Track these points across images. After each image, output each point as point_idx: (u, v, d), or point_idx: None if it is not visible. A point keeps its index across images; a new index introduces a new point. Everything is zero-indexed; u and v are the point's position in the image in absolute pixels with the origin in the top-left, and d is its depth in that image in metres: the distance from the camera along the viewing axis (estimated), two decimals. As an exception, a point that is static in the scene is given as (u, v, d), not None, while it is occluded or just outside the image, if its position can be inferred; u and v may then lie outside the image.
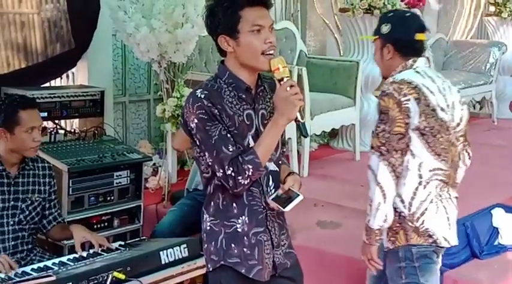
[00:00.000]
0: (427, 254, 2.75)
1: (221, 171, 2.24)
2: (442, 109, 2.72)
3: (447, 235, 2.77)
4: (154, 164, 5.14)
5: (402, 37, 2.78)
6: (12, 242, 3.14)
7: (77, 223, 3.63)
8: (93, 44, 4.91)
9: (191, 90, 4.40)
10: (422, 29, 2.81)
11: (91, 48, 4.90)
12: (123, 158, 4.08)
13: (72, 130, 4.30)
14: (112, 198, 4.04)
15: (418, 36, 2.80)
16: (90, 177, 3.91)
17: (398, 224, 2.70)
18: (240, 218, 2.35)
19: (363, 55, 6.16)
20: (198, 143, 2.29)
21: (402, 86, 2.64)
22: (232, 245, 2.35)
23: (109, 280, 2.67)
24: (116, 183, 4.06)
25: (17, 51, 4.87)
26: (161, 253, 2.94)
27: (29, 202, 3.20)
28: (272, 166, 2.41)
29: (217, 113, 2.24)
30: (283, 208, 2.32)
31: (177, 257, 2.98)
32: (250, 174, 2.23)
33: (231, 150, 2.23)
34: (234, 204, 2.34)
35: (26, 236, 3.20)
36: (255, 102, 2.35)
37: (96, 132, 4.28)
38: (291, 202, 2.33)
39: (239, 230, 2.35)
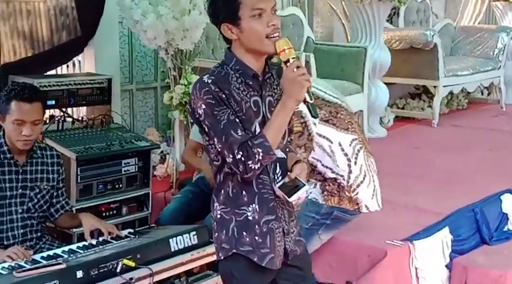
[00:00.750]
0: (344, 218, 3.34)
1: (231, 156, 2.22)
2: (329, 95, 3.25)
3: (369, 203, 3.34)
4: (162, 152, 5.14)
5: None
6: (22, 230, 3.14)
7: (86, 211, 3.63)
8: (100, 31, 4.89)
9: (198, 77, 4.46)
10: None
11: (98, 35, 4.88)
12: (131, 146, 4.06)
13: (80, 118, 4.29)
14: (120, 185, 4.03)
15: None
16: (98, 164, 3.89)
17: (336, 192, 3.24)
18: (251, 206, 2.33)
19: (370, 41, 6.13)
20: (206, 130, 2.27)
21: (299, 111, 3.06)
22: (244, 233, 2.34)
23: (119, 267, 2.68)
24: (124, 171, 4.04)
25: (23, 40, 4.86)
26: (171, 240, 2.94)
27: (38, 190, 3.19)
28: (280, 154, 2.38)
29: (225, 98, 2.22)
30: (288, 197, 2.30)
31: (186, 245, 2.98)
32: (260, 158, 2.20)
33: (240, 134, 2.22)
34: (244, 192, 2.33)
35: (35, 225, 3.20)
36: (262, 88, 2.33)
37: (104, 119, 4.26)
38: (297, 192, 2.31)
39: (250, 218, 2.33)
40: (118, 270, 2.67)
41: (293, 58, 2.21)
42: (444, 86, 6.88)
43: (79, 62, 5.09)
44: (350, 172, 3.25)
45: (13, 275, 2.60)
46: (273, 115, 2.26)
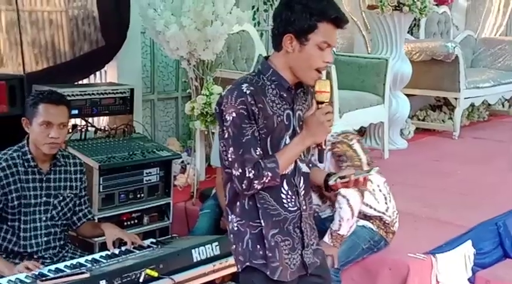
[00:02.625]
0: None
1: (239, 170, 2.22)
2: None
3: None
4: (182, 161, 5.15)
5: None
6: (45, 238, 3.15)
7: (107, 220, 3.65)
8: (123, 41, 4.93)
9: (220, 87, 4.49)
10: None
11: (120, 46, 4.92)
12: (153, 155, 4.08)
13: (102, 128, 4.31)
14: (142, 195, 4.05)
15: None
16: (120, 174, 3.92)
17: (383, 227, 3.51)
18: (262, 220, 2.33)
19: (391, 52, 6.11)
20: (227, 136, 2.26)
21: (346, 134, 3.42)
22: (258, 246, 2.34)
23: (142, 277, 2.67)
24: (146, 180, 4.06)
25: (46, 49, 4.90)
26: (193, 250, 2.94)
27: (61, 198, 3.21)
28: (304, 168, 2.40)
29: (257, 112, 2.22)
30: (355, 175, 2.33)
31: (208, 255, 2.97)
32: (266, 181, 2.23)
33: (257, 153, 2.23)
34: (258, 205, 2.32)
35: (58, 233, 3.21)
36: (294, 102, 2.34)
37: (126, 129, 4.28)
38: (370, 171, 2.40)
39: (264, 231, 2.33)
40: (141, 280, 2.67)
41: (327, 102, 2.24)
42: (465, 98, 6.84)
43: (101, 72, 5.13)
44: (387, 209, 3.52)
45: (37, 284, 2.62)
46: (289, 146, 2.28)
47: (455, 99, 6.87)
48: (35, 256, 3.10)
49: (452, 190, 4.90)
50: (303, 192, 2.39)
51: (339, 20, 2.24)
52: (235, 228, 2.38)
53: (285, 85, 2.30)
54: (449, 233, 3.90)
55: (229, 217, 2.40)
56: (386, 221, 3.51)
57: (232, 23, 4.40)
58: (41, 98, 3.05)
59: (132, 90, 4.44)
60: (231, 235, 2.41)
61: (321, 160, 2.32)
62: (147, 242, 3.25)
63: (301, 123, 2.33)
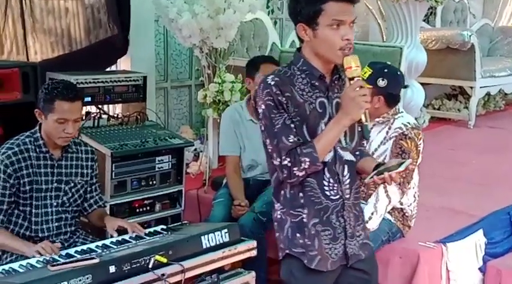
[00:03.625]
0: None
1: (278, 159, 2.27)
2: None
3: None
4: (195, 149, 5.17)
5: (393, 92, 3.35)
6: (56, 224, 3.19)
7: (120, 207, 3.71)
8: (136, 29, 4.95)
9: (232, 75, 4.49)
10: (405, 86, 3.49)
11: (134, 33, 4.93)
12: (165, 143, 4.09)
13: (115, 115, 4.33)
14: (154, 182, 4.07)
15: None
16: (132, 161, 3.94)
17: (400, 219, 3.48)
18: (306, 208, 2.36)
19: (406, 41, 6.06)
20: (263, 128, 2.33)
21: (418, 132, 3.35)
22: (297, 234, 2.37)
23: (151, 263, 2.69)
24: (158, 168, 4.08)
25: (61, 37, 4.93)
26: (202, 237, 2.95)
27: (72, 184, 3.24)
28: (348, 156, 2.40)
29: (284, 101, 2.25)
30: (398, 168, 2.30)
31: (218, 242, 2.99)
32: (306, 166, 2.24)
33: (291, 140, 2.25)
34: (301, 194, 2.35)
35: (69, 218, 3.24)
36: (329, 90, 2.35)
37: (139, 117, 4.29)
38: (402, 164, 2.33)
39: (305, 220, 2.36)
40: (150, 266, 2.69)
41: (358, 77, 2.23)
42: (481, 87, 6.79)
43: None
44: (410, 203, 3.48)
45: (47, 269, 2.64)
46: (326, 128, 2.28)
47: (471, 88, 6.82)
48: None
49: (466, 180, 4.87)
50: (348, 180, 2.40)
51: None
52: (278, 216, 2.43)
53: (316, 74, 2.32)
54: (461, 222, 3.88)
55: (275, 205, 2.45)
56: (406, 214, 3.49)
57: (244, 11, 4.40)
58: (56, 94, 3.05)
59: (145, 78, 4.45)
60: (275, 223, 2.46)
61: (365, 137, 2.33)
62: (157, 228, 3.27)
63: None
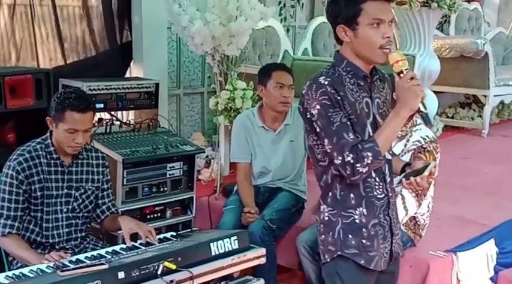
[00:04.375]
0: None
1: (340, 158, 2.26)
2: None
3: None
4: (207, 156, 5.18)
5: None
6: (66, 230, 3.20)
7: (131, 213, 3.69)
8: (149, 36, 4.98)
9: (244, 83, 4.50)
10: None
11: (147, 40, 4.97)
12: (177, 150, 4.11)
13: (127, 122, 4.36)
14: (165, 188, 4.09)
15: None
16: (144, 167, 3.96)
17: (412, 227, 3.48)
18: (358, 209, 2.38)
19: (419, 49, 6.06)
20: (318, 130, 2.31)
21: (437, 145, 3.38)
22: (350, 236, 2.39)
23: (160, 269, 2.69)
24: (169, 174, 4.10)
25: (75, 44, 4.97)
26: (211, 244, 2.94)
27: (83, 190, 3.25)
28: (388, 155, 2.44)
29: (340, 100, 2.27)
30: (422, 173, 2.35)
31: (227, 249, 2.98)
32: (369, 161, 2.24)
33: (351, 137, 2.26)
34: (352, 195, 2.37)
35: (80, 224, 3.26)
36: (371, 90, 2.38)
37: (151, 123, 4.32)
38: (427, 167, 2.38)
39: (357, 221, 2.38)
40: (159, 272, 2.68)
41: (406, 69, 2.25)
42: (495, 96, 6.76)
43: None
44: (424, 213, 3.48)
45: (57, 274, 2.65)
46: (386, 122, 2.30)
47: (485, 96, 6.80)
48: (57, 247, 3.15)
49: (478, 189, 4.85)
50: (389, 179, 2.44)
51: None
52: (326, 218, 2.43)
53: (360, 74, 2.34)
54: (473, 231, 3.86)
55: (321, 207, 2.45)
56: (419, 223, 3.49)
57: (256, 19, 4.41)
58: (68, 105, 3.03)
59: (157, 85, 4.48)
60: (321, 225, 2.46)
61: (428, 123, 2.33)
62: (167, 235, 3.27)
63: (380, 110, 2.38)
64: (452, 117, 7.27)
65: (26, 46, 4.67)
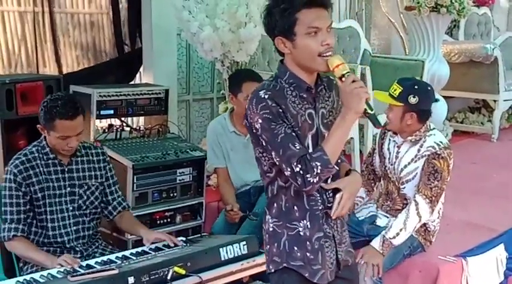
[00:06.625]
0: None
1: (289, 169, 2.22)
2: None
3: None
4: (216, 162, 5.18)
5: (425, 108, 3.37)
6: (74, 228, 3.22)
7: (141, 219, 3.70)
8: (159, 43, 5.01)
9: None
10: (435, 99, 3.50)
11: (156, 47, 5.00)
12: (186, 155, 4.14)
13: (137, 128, 4.38)
14: (175, 194, 4.11)
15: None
16: (153, 173, 3.98)
17: (422, 233, 3.46)
18: (302, 222, 2.35)
19: (428, 54, 6.06)
20: (264, 143, 2.28)
21: (450, 151, 3.34)
22: (295, 248, 2.35)
23: (170, 274, 2.71)
24: (179, 180, 4.12)
25: (86, 51, 5.01)
26: (221, 249, 2.97)
27: (86, 187, 3.26)
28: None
29: (282, 112, 2.23)
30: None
31: (236, 254, 3.00)
32: (318, 171, 2.19)
33: (298, 147, 2.22)
34: (296, 207, 2.34)
35: (87, 222, 3.27)
36: (316, 101, 2.34)
37: (161, 129, 4.35)
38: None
39: (301, 233, 2.35)
40: (169, 277, 2.71)
41: (347, 72, 2.21)
42: (504, 100, 6.74)
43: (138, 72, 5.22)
44: (434, 219, 3.47)
45: (68, 279, 2.68)
46: (332, 129, 2.26)
47: (494, 101, 6.78)
48: (67, 246, 3.18)
49: (488, 193, 4.83)
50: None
51: (312, 2, 2.22)
52: (271, 229, 2.40)
53: (303, 86, 2.30)
54: (482, 236, 3.86)
55: (267, 217, 2.42)
56: (429, 229, 3.48)
57: (265, 25, 4.43)
58: (56, 113, 3.04)
59: (167, 91, 4.50)
60: (266, 235, 2.43)
61: (375, 125, 2.28)
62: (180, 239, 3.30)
63: (325, 120, 2.34)
64: (461, 122, 7.26)
65: (36, 53, 4.70)
